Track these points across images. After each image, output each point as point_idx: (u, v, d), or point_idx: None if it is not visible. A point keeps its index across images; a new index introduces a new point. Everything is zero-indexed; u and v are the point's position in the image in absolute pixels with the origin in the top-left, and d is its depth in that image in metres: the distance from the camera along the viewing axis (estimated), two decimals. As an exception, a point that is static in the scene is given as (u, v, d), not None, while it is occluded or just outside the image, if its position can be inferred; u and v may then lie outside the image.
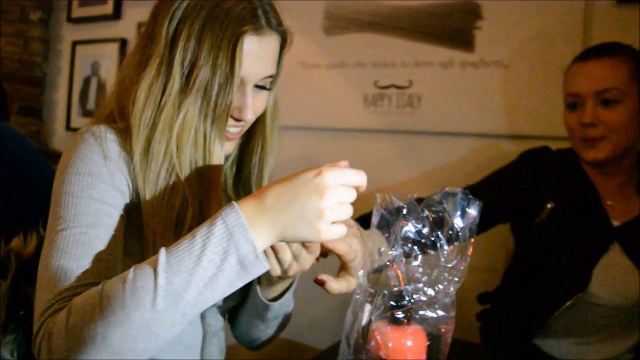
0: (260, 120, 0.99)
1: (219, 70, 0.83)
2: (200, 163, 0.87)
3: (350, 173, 0.71)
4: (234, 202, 0.70)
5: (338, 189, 0.69)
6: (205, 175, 0.88)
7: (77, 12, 2.76)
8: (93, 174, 0.81)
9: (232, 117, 0.89)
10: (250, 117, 0.90)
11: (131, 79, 0.88)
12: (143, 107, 0.84)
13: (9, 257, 1.11)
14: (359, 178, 0.72)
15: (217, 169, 0.88)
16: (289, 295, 0.99)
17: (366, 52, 2.05)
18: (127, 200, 0.85)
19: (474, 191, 0.74)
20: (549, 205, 1.38)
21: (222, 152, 0.89)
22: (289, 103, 2.19)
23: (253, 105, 0.90)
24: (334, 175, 0.69)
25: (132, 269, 0.69)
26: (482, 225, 0.78)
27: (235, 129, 0.92)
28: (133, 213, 0.86)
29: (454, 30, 1.92)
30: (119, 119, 0.90)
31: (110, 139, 0.85)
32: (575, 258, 1.37)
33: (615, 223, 1.36)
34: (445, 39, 1.93)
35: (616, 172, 1.38)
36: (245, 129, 0.95)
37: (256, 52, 0.86)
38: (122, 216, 0.83)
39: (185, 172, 0.86)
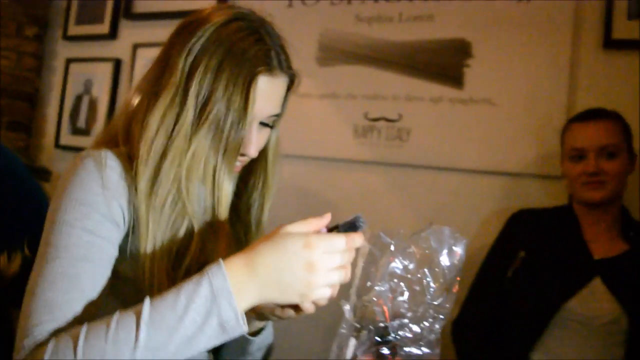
0: (261, 157, 1.00)
1: (233, 107, 0.84)
2: (209, 195, 0.89)
3: (337, 241, 0.73)
4: (221, 262, 0.72)
5: (328, 260, 0.72)
6: (211, 208, 0.90)
7: (74, 30, 2.77)
8: (88, 203, 0.81)
9: None
10: (253, 152, 0.92)
11: (141, 106, 0.90)
12: (154, 135, 0.85)
13: (-8, 276, 1.11)
14: (348, 244, 0.74)
15: (225, 201, 0.90)
16: (269, 328, 1.00)
17: (358, 84, 2.08)
18: (121, 231, 0.86)
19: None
20: (521, 254, 1.57)
21: (230, 185, 0.90)
22: (279, 129, 2.20)
23: (257, 142, 0.92)
24: (322, 247, 0.72)
25: (115, 317, 0.71)
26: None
27: (237, 163, 0.93)
28: (129, 243, 0.86)
29: (445, 67, 1.96)
30: (123, 143, 0.91)
31: (110, 167, 0.85)
32: (555, 287, 1.48)
33: (597, 257, 1.51)
34: (436, 75, 1.97)
35: (604, 215, 1.54)
36: (245, 163, 0.97)
37: (267, 92, 0.89)
38: (113, 248, 0.84)
39: (192, 202, 0.87)
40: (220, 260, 0.73)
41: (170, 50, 0.90)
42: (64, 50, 2.84)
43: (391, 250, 0.74)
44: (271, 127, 0.97)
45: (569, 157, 1.56)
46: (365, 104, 2.07)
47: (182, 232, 0.88)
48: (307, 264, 0.71)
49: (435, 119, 1.95)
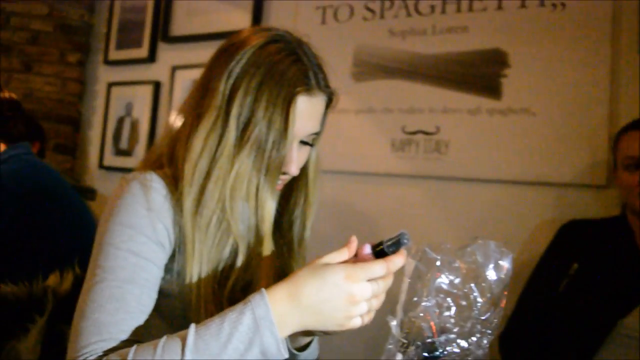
0: (302, 175, 1.02)
1: (274, 127, 0.86)
2: (252, 213, 0.91)
3: (377, 268, 0.74)
4: (263, 292, 0.74)
5: (368, 290, 0.73)
6: (255, 225, 0.92)
7: (114, 55, 2.87)
8: (134, 226, 0.84)
9: None
10: (294, 170, 0.93)
11: (184, 128, 0.92)
12: (199, 157, 0.88)
13: (46, 294, 1.15)
14: (388, 269, 0.75)
15: (268, 219, 0.92)
16: (314, 344, 1.01)
17: (394, 98, 2.09)
18: (167, 251, 0.88)
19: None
20: (574, 267, 1.53)
21: (273, 204, 0.92)
22: (317, 146, 2.21)
23: (298, 160, 0.94)
24: (363, 277, 0.73)
25: (162, 341, 0.73)
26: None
27: (279, 182, 0.94)
28: (176, 262, 0.89)
29: (481, 77, 1.95)
30: (167, 165, 0.94)
31: (155, 189, 0.87)
32: (611, 302, 1.43)
33: None
34: (472, 86, 1.96)
35: None
36: (287, 181, 0.98)
37: (306, 111, 0.90)
38: (158, 269, 0.86)
39: (236, 221, 0.89)
40: (263, 290, 0.74)
41: (210, 74, 0.92)
42: (105, 75, 2.93)
43: (437, 266, 0.74)
44: (311, 145, 0.98)
45: (624, 165, 1.51)
46: (402, 117, 2.07)
47: (227, 251, 0.90)
48: (349, 296, 0.72)
49: (473, 131, 1.94)
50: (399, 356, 0.74)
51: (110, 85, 2.86)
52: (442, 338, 0.73)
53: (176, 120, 0.96)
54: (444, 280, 0.73)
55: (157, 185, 0.88)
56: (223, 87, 0.88)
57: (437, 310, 0.73)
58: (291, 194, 1.05)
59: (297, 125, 0.89)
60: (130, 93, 2.78)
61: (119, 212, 0.85)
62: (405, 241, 0.76)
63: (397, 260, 0.76)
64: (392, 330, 0.75)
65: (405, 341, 0.73)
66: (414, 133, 2.04)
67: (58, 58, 2.92)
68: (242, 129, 0.87)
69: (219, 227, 0.89)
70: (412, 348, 0.72)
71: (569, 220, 1.64)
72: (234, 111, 0.87)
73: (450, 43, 2.01)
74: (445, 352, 0.72)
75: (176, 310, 0.90)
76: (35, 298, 1.12)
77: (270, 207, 0.92)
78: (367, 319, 0.77)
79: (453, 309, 0.73)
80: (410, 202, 2.03)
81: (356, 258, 0.79)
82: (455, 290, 0.74)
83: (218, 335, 0.72)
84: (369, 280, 0.74)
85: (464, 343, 0.72)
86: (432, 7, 2.06)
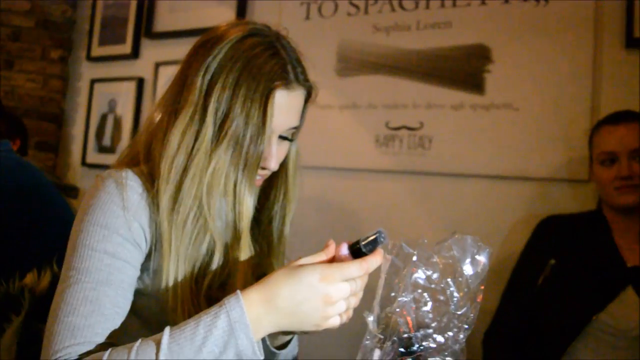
0: (282, 170, 1.01)
1: (251, 122, 0.85)
2: (230, 210, 0.90)
3: (353, 269, 0.74)
4: (239, 294, 0.73)
5: (344, 289, 0.73)
6: (233, 222, 0.90)
7: (97, 51, 2.83)
8: (109, 226, 0.83)
9: None
10: (274, 165, 0.93)
11: (161, 124, 0.91)
12: (175, 153, 0.86)
13: (22, 293, 1.13)
14: (363, 269, 0.74)
15: (246, 216, 0.91)
16: (294, 342, 1.00)
17: (378, 93, 2.08)
18: (143, 251, 0.87)
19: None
20: (551, 262, 1.54)
21: (252, 200, 0.91)
22: (301, 142, 2.21)
23: (277, 155, 0.93)
24: (338, 278, 0.73)
25: (136, 345, 0.72)
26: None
27: (258, 177, 0.94)
28: (152, 260, 0.88)
29: (465, 73, 1.95)
30: (144, 162, 0.92)
31: (131, 187, 0.86)
32: (586, 298, 1.45)
33: (630, 265, 1.46)
34: (456, 82, 1.96)
35: (636, 220, 1.49)
36: (266, 177, 0.97)
37: (284, 105, 0.89)
38: (134, 269, 0.85)
39: (213, 217, 0.88)
40: (239, 292, 0.74)
41: (187, 69, 0.91)
42: (88, 71, 2.90)
43: (414, 261, 0.73)
44: (290, 140, 0.97)
45: (600, 161, 1.52)
46: (386, 113, 2.07)
47: (204, 248, 0.89)
48: (325, 297, 0.72)
49: (457, 126, 1.94)
50: (377, 352, 0.74)
51: (93, 81, 2.82)
52: (419, 333, 0.72)
53: (154, 116, 0.95)
54: (420, 275, 0.73)
55: (132, 183, 0.86)
56: (200, 82, 0.87)
57: (414, 306, 0.73)
58: (270, 190, 1.04)
59: (276, 119, 0.88)
60: (114, 89, 2.75)
61: (93, 211, 0.84)
62: (382, 239, 0.76)
63: (373, 260, 0.75)
64: (369, 325, 0.75)
65: (382, 337, 0.73)
66: (398, 129, 2.04)
67: (40, 54, 2.88)
68: (220, 124, 0.86)
69: (196, 224, 0.88)
70: (389, 343, 0.72)
71: (547, 216, 1.65)
72: (211, 106, 0.86)
73: (434, 38, 2.01)
74: (422, 347, 0.72)
75: (152, 309, 0.89)
76: (11, 297, 1.11)
77: (248, 203, 0.90)
78: (346, 317, 0.77)
79: (430, 304, 0.73)
80: (394, 198, 2.03)
81: (334, 258, 0.79)
82: (432, 285, 0.73)
83: (193, 338, 0.71)
84: (345, 280, 0.73)
85: (440, 338, 0.72)
86: (416, 3, 2.05)
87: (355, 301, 0.77)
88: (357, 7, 2.16)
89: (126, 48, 2.72)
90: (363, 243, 0.76)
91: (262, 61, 0.87)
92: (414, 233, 1.92)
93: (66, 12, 2.93)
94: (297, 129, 0.97)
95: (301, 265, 0.74)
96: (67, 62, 2.94)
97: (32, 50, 2.87)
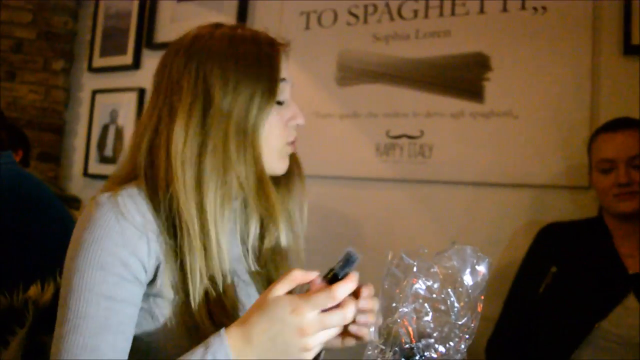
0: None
1: (260, 87, 0.88)
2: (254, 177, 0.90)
3: (324, 299, 0.73)
4: (222, 335, 0.74)
5: (316, 321, 0.72)
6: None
7: (98, 62, 2.85)
8: (105, 266, 0.80)
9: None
10: (302, 118, 0.95)
11: (161, 132, 0.89)
12: (182, 149, 0.86)
13: (26, 306, 1.13)
14: (337, 296, 0.73)
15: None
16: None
17: (378, 102, 2.10)
18: (144, 282, 0.85)
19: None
20: (552, 270, 1.53)
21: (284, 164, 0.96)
22: (302, 152, 2.22)
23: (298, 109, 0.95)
24: (310, 309, 0.72)
25: None
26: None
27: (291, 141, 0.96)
28: (155, 286, 0.86)
29: (464, 81, 1.96)
30: (145, 176, 0.89)
31: (129, 213, 0.83)
32: (589, 306, 1.44)
33: (632, 272, 1.45)
34: (456, 90, 1.97)
35: (637, 227, 1.49)
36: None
37: (284, 66, 0.93)
38: (133, 307, 0.83)
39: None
40: (223, 332, 0.74)
41: (169, 74, 0.91)
42: (89, 82, 2.92)
43: (414, 271, 0.74)
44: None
45: (598, 168, 1.52)
46: (386, 121, 2.08)
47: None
48: (298, 330, 0.71)
49: (457, 134, 1.95)
50: (378, 362, 0.74)
51: (95, 92, 2.84)
52: (421, 343, 0.73)
53: (143, 132, 0.92)
54: (421, 285, 0.73)
55: (130, 207, 0.84)
56: (192, 74, 0.88)
57: (415, 316, 0.73)
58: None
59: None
60: (115, 100, 2.77)
61: (88, 249, 0.81)
62: (353, 258, 0.75)
63: (343, 286, 0.74)
64: (370, 336, 0.75)
65: (383, 347, 0.74)
66: (398, 137, 2.05)
67: (42, 66, 2.90)
68: (225, 102, 0.87)
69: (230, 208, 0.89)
70: (390, 354, 0.73)
71: (548, 224, 1.65)
72: (214, 91, 0.87)
73: (433, 47, 2.02)
74: (424, 358, 0.72)
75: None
76: (15, 309, 1.11)
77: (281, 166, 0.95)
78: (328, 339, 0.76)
79: (431, 314, 0.73)
80: (395, 206, 2.04)
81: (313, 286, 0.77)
82: (432, 296, 0.74)
83: None
84: (317, 310, 0.72)
85: (442, 348, 0.73)
86: (415, 12, 2.07)
87: (335, 331, 0.75)
88: (356, 16, 2.18)
89: (127, 59, 2.73)
90: (338, 268, 0.76)
91: (249, 33, 0.91)
92: (415, 241, 1.93)
93: (67, 23, 2.95)
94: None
95: (274, 299, 0.73)
96: (69, 73, 2.96)
97: (34, 61, 2.89)
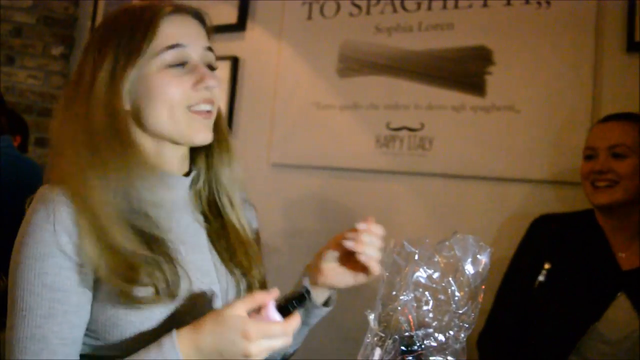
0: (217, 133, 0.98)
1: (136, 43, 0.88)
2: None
3: (273, 329, 0.76)
4: (174, 337, 0.76)
5: (263, 347, 0.76)
6: None
7: (98, 48, 2.83)
8: (43, 256, 0.81)
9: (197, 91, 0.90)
10: (211, 81, 0.90)
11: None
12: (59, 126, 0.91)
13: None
14: (285, 330, 0.76)
15: None
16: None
17: (379, 94, 2.09)
18: (85, 261, 0.83)
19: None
20: (546, 266, 1.52)
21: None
22: (302, 142, 2.22)
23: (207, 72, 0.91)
24: (258, 336, 0.75)
25: None
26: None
27: (206, 106, 0.92)
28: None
29: (466, 74, 1.95)
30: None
31: (58, 202, 0.83)
32: (582, 307, 1.43)
33: (625, 269, 1.44)
34: (457, 83, 1.96)
35: (625, 221, 1.48)
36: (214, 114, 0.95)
37: (175, 24, 0.92)
38: (78, 295, 0.83)
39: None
40: (174, 334, 0.77)
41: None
42: (89, 68, 2.90)
43: (415, 260, 0.74)
44: (213, 69, 0.95)
45: (584, 156, 1.53)
46: (386, 113, 2.07)
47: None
48: (244, 352, 0.75)
49: (457, 127, 1.94)
50: (377, 350, 0.74)
51: (94, 78, 2.82)
52: (420, 332, 0.73)
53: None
54: (422, 274, 0.73)
55: (59, 195, 0.83)
56: (90, 63, 0.89)
57: (415, 304, 0.73)
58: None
59: (170, 34, 0.89)
60: (114, 87, 2.75)
61: (27, 242, 0.82)
62: (308, 298, 0.79)
63: (293, 323, 0.77)
64: (370, 324, 0.75)
65: (383, 335, 0.74)
66: (399, 129, 2.04)
67: (41, 51, 2.89)
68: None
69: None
70: (390, 342, 0.73)
71: (540, 215, 1.63)
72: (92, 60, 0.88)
73: (435, 40, 2.01)
74: (423, 346, 0.72)
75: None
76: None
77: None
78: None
79: (431, 303, 0.73)
80: (395, 198, 2.04)
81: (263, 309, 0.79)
82: (433, 285, 0.74)
83: None
84: (266, 338, 0.75)
85: (441, 337, 0.72)
86: (418, 4, 2.06)
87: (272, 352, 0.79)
88: (359, 7, 2.17)
89: (127, 45, 2.71)
90: (290, 298, 0.78)
91: (138, 9, 0.91)
92: (414, 233, 1.93)
93: (68, 8, 2.93)
94: (210, 51, 0.95)
95: (230, 317, 0.76)
96: (69, 59, 2.94)
97: (33, 46, 2.87)
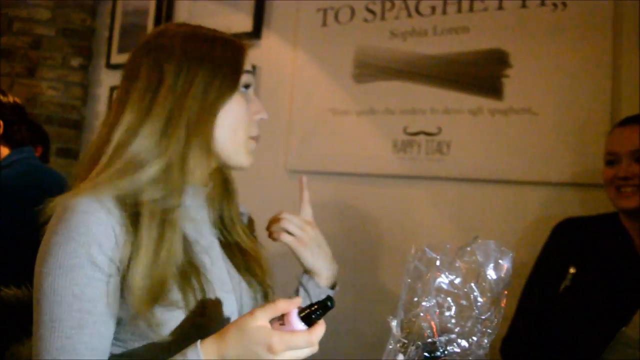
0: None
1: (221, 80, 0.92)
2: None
3: (299, 340, 0.75)
4: (198, 348, 0.76)
5: (287, 356, 0.75)
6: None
7: (116, 58, 2.87)
8: (73, 267, 0.81)
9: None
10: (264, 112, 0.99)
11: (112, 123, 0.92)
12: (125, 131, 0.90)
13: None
14: (310, 340, 0.76)
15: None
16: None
17: (395, 99, 2.09)
18: (115, 274, 0.84)
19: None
20: (571, 271, 1.50)
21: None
22: (319, 148, 2.23)
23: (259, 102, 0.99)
24: (283, 348, 0.74)
25: None
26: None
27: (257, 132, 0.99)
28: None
29: (483, 78, 1.94)
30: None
31: (91, 209, 0.83)
32: (610, 312, 1.41)
33: None
34: (474, 87, 1.95)
35: None
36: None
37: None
38: (106, 303, 0.83)
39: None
40: (198, 344, 0.77)
41: (132, 67, 0.95)
42: (107, 79, 2.94)
43: (437, 265, 0.74)
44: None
45: (605, 161, 1.51)
46: (403, 118, 2.07)
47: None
48: None
49: (475, 131, 1.94)
50: (400, 356, 0.74)
51: (113, 89, 2.86)
52: (443, 338, 0.73)
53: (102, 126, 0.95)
54: (444, 280, 0.73)
55: (93, 204, 0.83)
56: (150, 66, 0.91)
57: (438, 310, 0.73)
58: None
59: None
60: (133, 96, 2.78)
61: (56, 253, 0.81)
62: (331, 306, 0.76)
63: (320, 331, 0.76)
64: (392, 330, 0.75)
65: (405, 341, 0.73)
66: (416, 134, 2.04)
67: (61, 62, 2.93)
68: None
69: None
70: (412, 348, 0.72)
71: (564, 219, 1.62)
72: (168, 75, 0.89)
73: (451, 43, 2.01)
74: (446, 352, 0.72)
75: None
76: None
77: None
78: None
79: (453, 309, 0.73)
80: (413, 203, 2.03)
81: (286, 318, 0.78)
82: (455, 290, 0.73)
83: None
84: (291, 349, 0.75)
85: (464, 343, 0.72)
86: (433, 8, 2.06)
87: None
88: (373, 13, 2.17)
89: (145, 55, 2.74)
90: (316, 309, 0.76)
91: (211, 32, 0.96)
92: (432, 238, 1.92)
93: (86, 20, 2.98)
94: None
95: (255, 328, 0.75)
96: (87, 70, 2.99)
97: (53, 58, 2.92)
